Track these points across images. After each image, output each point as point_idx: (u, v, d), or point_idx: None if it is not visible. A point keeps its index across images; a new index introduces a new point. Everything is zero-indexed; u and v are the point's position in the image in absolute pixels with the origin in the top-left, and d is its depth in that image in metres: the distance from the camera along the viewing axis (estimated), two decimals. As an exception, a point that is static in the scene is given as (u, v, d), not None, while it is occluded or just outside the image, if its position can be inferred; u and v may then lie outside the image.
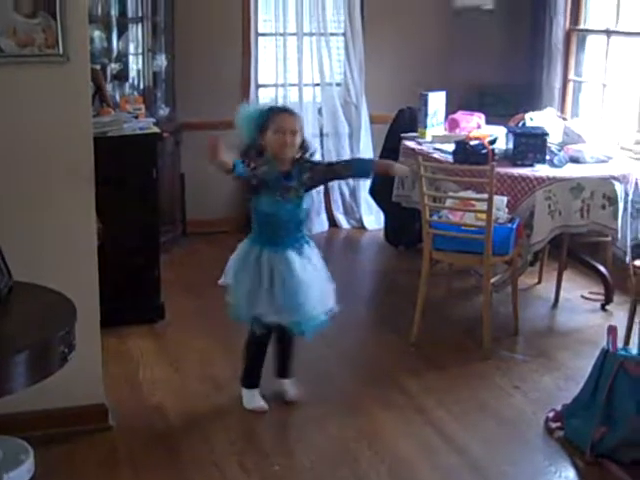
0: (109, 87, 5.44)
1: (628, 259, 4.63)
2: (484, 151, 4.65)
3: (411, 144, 5.20)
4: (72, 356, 2.41)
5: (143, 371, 4.05)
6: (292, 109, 3.70)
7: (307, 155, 3.58)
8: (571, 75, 6.13)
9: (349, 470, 3.24)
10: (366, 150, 6.44)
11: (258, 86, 6.40)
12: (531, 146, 4.64)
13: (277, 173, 3.49)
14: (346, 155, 6.38)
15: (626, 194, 4.60)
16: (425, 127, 5.28)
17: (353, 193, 6.59)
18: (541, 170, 4.54)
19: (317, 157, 3.82)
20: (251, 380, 3.71)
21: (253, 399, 3.68)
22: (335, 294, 3.61)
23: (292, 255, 3.50)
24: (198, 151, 6.16)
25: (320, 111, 6.46)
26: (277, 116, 3.50)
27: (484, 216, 4.12)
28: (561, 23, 6.02)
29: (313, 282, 3.52)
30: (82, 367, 3.08)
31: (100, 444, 3.35)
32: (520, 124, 5.21)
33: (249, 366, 3.71)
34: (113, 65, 5.63)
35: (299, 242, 3.57)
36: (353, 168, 3.77)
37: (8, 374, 2.22)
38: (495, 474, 3.23)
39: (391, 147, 5.62)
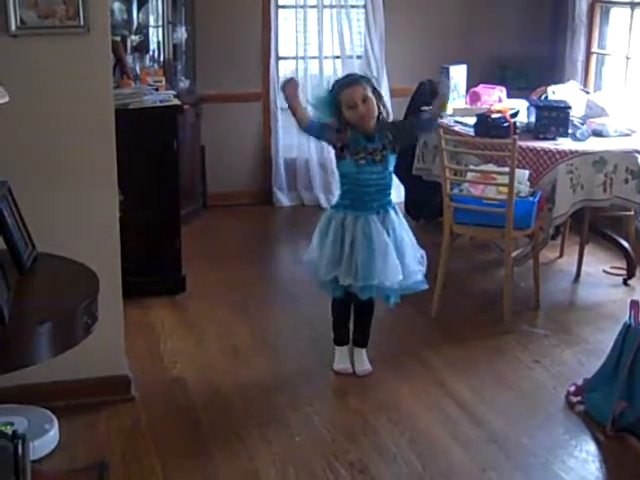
0: (129, 59, 5.44)
1: (651, 233, 4.60)
2: (506, 124, 4.62)
3: (432, 117, 5.15)
4: (95, 327, 2.42)
5: (165, 343, 4.07)
6: (354, 76, 3.67)
7: (385, 114, 3.60)
8: (594, 48, 6.06)
9: (369, 442, 3.25)
10: (386, 123, 6.41)
11: (278, 58, 6.38)
12: (553, 119, 4.60)
13: (360, 136, 3.53)
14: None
15: (649, 168, 4.56)
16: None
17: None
18: (563, 144, 4.50)
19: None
20: (336, 338, 3.82)
21: (339, 359, 3.78)
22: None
23: (373, 221, 3.54)
24: (218, 123, 6.23)
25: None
26: (343, 92, 3.52)
27: (505, 189, 4.10)
28: (585, -5, 5.95)
29: (388, 253, 3.53)
30: (105, 338, 3.11)
31: (123, 415, 3.38)
32: (542, 97, 5.17)
33: (334, 325, 3.82)
34: (133, 37, 5.63)
35: (384, 207, 3.60)
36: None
37: (32, 344, 2.23)
38: (514, 446, 3.24)
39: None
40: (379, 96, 3.60)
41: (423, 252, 3.72)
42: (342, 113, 3.53)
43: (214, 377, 3.74)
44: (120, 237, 3.40)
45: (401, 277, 3.56)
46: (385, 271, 3.52)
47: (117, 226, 3.39)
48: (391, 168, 3.62)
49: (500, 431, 3.33)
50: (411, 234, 3.69)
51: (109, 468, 2.93)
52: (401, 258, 3.58)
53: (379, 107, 3.57)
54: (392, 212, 3.62)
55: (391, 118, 3.72)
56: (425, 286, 3.70)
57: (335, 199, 3.80)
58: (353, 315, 3.82)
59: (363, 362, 3.80)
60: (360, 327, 3.82)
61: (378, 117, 3.56)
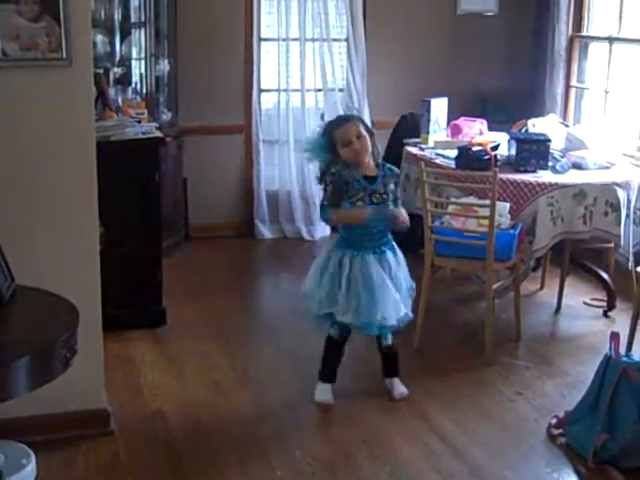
0: (112, 91, 5.45)
1: (631, 265, 4.63)
2: (486, 157, 4.65)
3: (413, 150, 5.19)
4: (74, 360, 2.41)
5: (145, 376, 4.04)
6: (346, 115, 3.89)
7: (376, 153, 3.67)
8: (573, 82, 6.12)
9: (350, 475, 3.24)
10: (368, 156, 6.44)
11: (261, 91, 6.41)
12: (534, 152, 4.63)
13: (361, 177, 3.59)
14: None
15: (629, 200, 4.60)
16: (427, 133, 5.27)
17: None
18: (544, 176, 4.53)
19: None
20: (324, 375, 3.82)
21: (322, 393, 3.79)
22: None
23: (370, 259, 3.60)
24: (201, 155, 6.24)
25: (322, 117, 6.43)
26: (337, 131, 3.60)
27: (486, 222, 4.12)
28: (564, 30, 6.02)
29: (387, 288, 3.60)
30: (84, 372, 3.08)
31: (102, 449, 3.34)
32: (522, 130, 5.20)
33: (324, 361, 3.82)
34: (116, 69, 5.64)
35: (381, 248, 3.66)
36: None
37: (10, 378, 2.21)
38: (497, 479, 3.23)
39: (393, 153, 5.61)
40: (372, 134, 3.67)
41: (414, 284, 3.78)
42: (338, 153, 3.59)
43: (195, 410, 3.72)
44: (101, 269, 3.38)
45: (403, 313, 3.65)
46: (387, 307, 3.59)
47: (97, 258, 3.38)
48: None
49: (483, 464, 3.32)
50: (406, 268, 3.76)
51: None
52: (397, 294, 3.65)
53: (372, 145, 3.64)
54: (389, 252, 3.68)
55: (381, 157, 3.78)
56: (411, 315, 3.76)
57: (323, 232, 3.83)
58: (382, 358, 3.87)
59: (399, 385, 3.87)
60: (386, 359, 3.87)
61: (384, 164, 3.67)
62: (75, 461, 3.25)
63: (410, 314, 3.74)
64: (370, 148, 3.61)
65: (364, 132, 3.60)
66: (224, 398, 3.84)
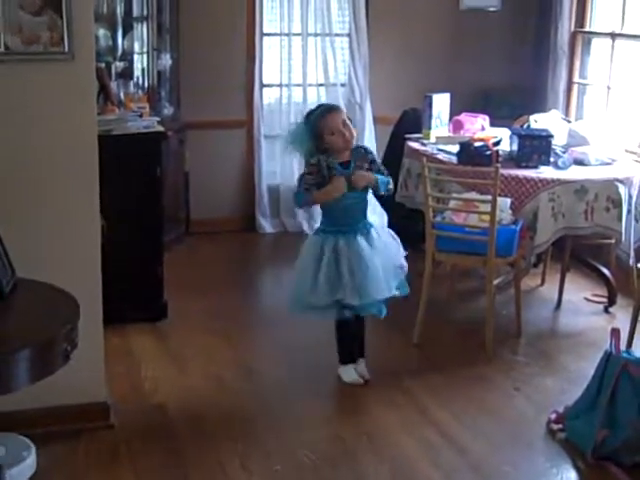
0: (114, 85, 5.44)
1: (631, 261, 4.63)
2: (488, 152, 4.65)
3: (415, 145, 5.19)
4: (75, 354, 2.41)
5: (145, 370, 4.05)
6: (330, 105, 3.94)
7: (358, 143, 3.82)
8: (576, 77, 6.12)
9: (350, 469, 3.24)
10: (370, 151, 6.45)
11: (262, 86, 6.40)
12: (535, 148, 4.63)
13: (336, 164, 3.69)
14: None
15: (630, 197, 4.59)
16: (429, 128, 5.27)
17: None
18: (545, 172, 4.53)
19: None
20: (346, 357, 3.93)
21: (349, 374, 3.90)
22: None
23: (362, 242, 3.70)
24: (202, 150, 6.24)
25: (324, 111, 6.45)
26: (323, 120, 3.69)
27: (487, 217, 4.12)
28: (566, 25, 6.01)
29: (380, 265, 3.71)
30: (85, 365, 3.09)
31: (102, 442, 3.35)
32: (524, 126, 5.20)
33: (343, 345, 3.93)
34: (118, 63, 5.63)
35: (366, 227, 3.77)
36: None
37: (11, 371, 2.22)
38: (496, 474, 3.23)
39: (395, 148, 5.62)
40: (350, 121, 3.77)
41: (405, 263, 3.86)
42: (321, 141, 3.67)
43: (195, 405, 3.72)
44: (102, 262, 3.39)
45: (395, 291, 3.78)
46: (380, 286, 3.70)
47: (99, 252, 3.38)
48: (367, 193, 3.79)
49: (482, 459, 3.33)
50: (395, 244, 3.86)
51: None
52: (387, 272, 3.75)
53: None
54: (372, 230, 3.79)
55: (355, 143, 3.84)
56: (407, 290, 3.88)
57: (319, 226, 3.87)
58: (359, 339, 3.97)
59: (365, 371, 3.94)
60: (360, 340, 3.96)
61: (355, 148, 3.77)
62: (75, 454, 3.26)
63: (395, 292, 3.81)
64: (355, 135, 3.73)
65: (347, 120, 3.72)
66: (225, 392, 3.84)
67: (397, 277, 3.82)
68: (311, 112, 3.78)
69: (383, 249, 3.78)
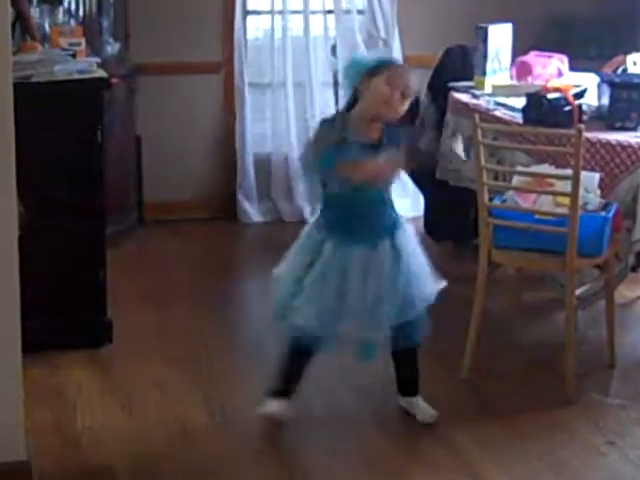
0: (35, 13, 5.44)
1: None
2: (567, 108, 4.65)
3: (464, 97, 5.21)
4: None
5: (82, 416, 4.06)
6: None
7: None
8: (691, 1, 6.13)
9: None
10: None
11: (246, 13, 6.43)
12: (635, 102, 4.64)
13: (358, 143, 3.65)
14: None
15: None
16: (484, 74, 5.28)
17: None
18: (649, 136, 4.54)
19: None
20: (284, 389, 3.94)
21: (272, 405, 3.92)
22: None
23: (379, 254, 3.74)
24: (161, 105, 6.24)
25: (334, 50, 6.46)
26: (396, 67, 3.75)
27: (567, 200, 4.12)
28: None
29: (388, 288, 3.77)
30: (-4, 410, 3.10)
31: (21, 519, 3.37)
32: (619, 70, 5.20)
33: (288, 376, 3.94)
34: (41, -18, 5.65)
35: (381, 235, 3.77)
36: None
37: None
38: None
39: (435, 101, 5.62)
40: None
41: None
42: (369, 83, 3.64)
43: (150, 462, 3.74)
44: (20, 265, 3.39)
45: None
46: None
47: (16, 250, 3.38)
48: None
49: None
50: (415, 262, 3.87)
51: None
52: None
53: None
54: (386, 241, 3.78)
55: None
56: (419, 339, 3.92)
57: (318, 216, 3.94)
58: (396, 364, 4.03)
59: (424, 406, 4.01)
60: (410, 375, 4.02)
61: (390, 125, 3.75)
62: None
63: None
64: (396, 116, 3.71)
65: (408, 99, 3.70)
66: (189, 442, 3.85)
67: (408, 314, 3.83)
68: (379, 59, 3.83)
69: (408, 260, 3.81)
